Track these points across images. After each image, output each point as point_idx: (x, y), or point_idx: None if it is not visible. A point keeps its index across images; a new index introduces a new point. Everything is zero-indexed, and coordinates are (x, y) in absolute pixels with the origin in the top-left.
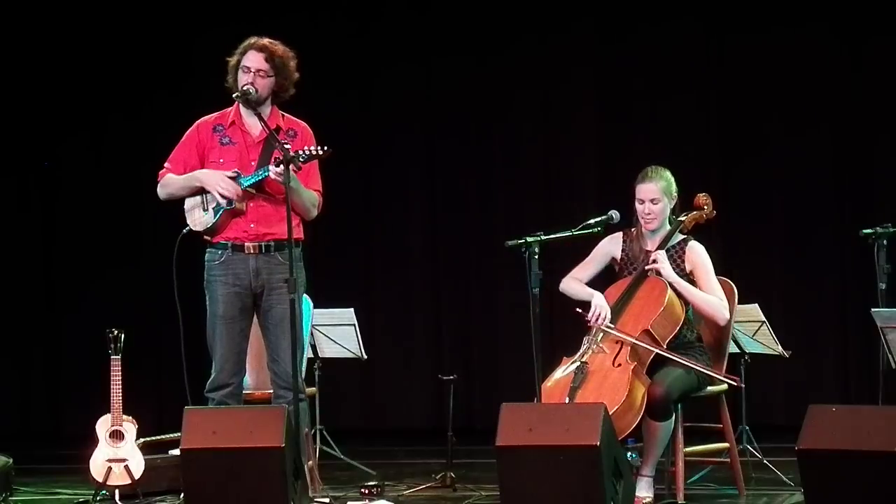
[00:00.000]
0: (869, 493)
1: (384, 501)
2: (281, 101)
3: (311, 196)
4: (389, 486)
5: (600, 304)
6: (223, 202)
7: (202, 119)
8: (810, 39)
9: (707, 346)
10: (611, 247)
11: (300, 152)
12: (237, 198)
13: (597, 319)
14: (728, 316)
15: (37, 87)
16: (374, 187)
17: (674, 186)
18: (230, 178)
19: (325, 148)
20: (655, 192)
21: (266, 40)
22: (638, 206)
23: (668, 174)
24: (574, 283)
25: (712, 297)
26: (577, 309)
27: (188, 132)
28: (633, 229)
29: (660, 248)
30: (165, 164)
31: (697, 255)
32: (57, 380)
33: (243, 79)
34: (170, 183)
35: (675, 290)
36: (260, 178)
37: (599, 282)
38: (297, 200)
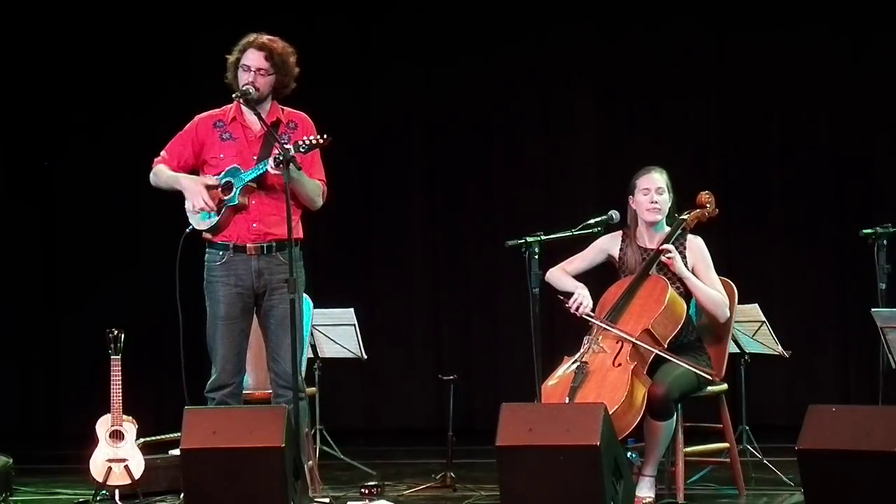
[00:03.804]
0: (869, 493)
1: (384, 501)
2: (281, 96)
3: (315, 186)
4: (389, 486)
5: (583, 295)
6: (195, 212)
7: (202, 115)
8: (810, 39)
9: (707, 346)
10: (609, 244)
11: (301, 142)
12: (212, 210)
13: (577, 308)
14: (729, 314)
15: (37, 86)
16: (374, 187)
17: (671, 186)
18: (230, 172)
19: (326, 136)
20: (661, 183)
21: (265, 38)
22: (642, 196)
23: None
24: (560, 274)
25: (717, 294)
26: (559, 296)
27: (186, 126)
28: (630, 230)
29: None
30: (161, 153)
31: (699, 249)
32: (57, 380)
33: (243, 77)
34: (159, 174)
35: (683, 284)
36: (259, 172)
37: (594, 280)
38: (301, 191)
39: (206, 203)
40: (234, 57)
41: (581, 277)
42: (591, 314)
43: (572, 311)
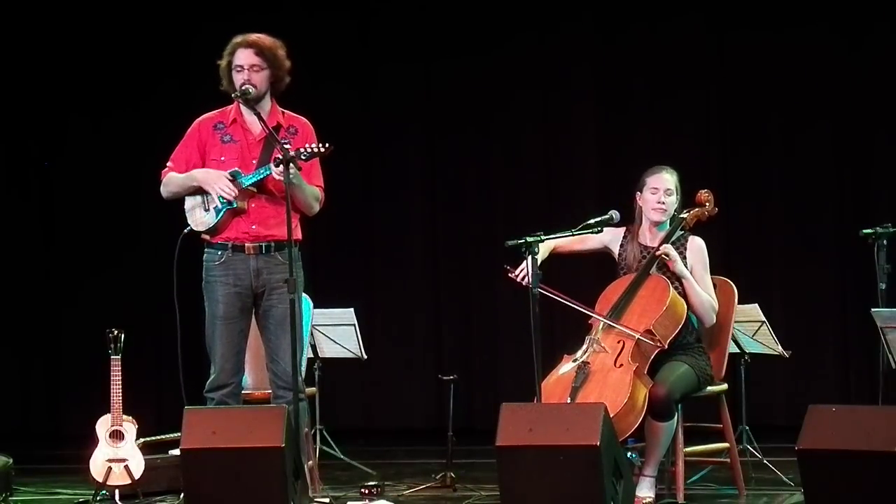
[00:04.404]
0: (869, 493)
1: (384, 501)
2: (278, 91)
3: (313, 192)
4: (389, 486)
5: (526, 268)
6: (219, 202)
7: (202, 117)
8: (810, 37)
9: (706, 346)
10: (609, 238)
11: (301, 150)
12: (236, 197)
13: (522, 279)
14: (715, 320)
15: (36, 84)
16: (373, 187)
17: (679, 187)
18: (229, 177)
19: (327, 145)
20: (671, 184)
21: (252, 36)
22: (650, 196)
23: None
24: (543, 246)
25: (709, 299)
26: (506, 266)
27: (188, 131)
28: (634, 226)
29: (664, 243)
30: (168, 164)
31: (699, 250)
32: (57, 380)
33: (238, 78)
34: (170, 182)
35: (680, 283)
36: (261, 177)
37: (594, 279)
38: (299, 196)
39: (229, 189)
40: (225, 61)
41: (579, 270)
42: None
43: (518, 279)
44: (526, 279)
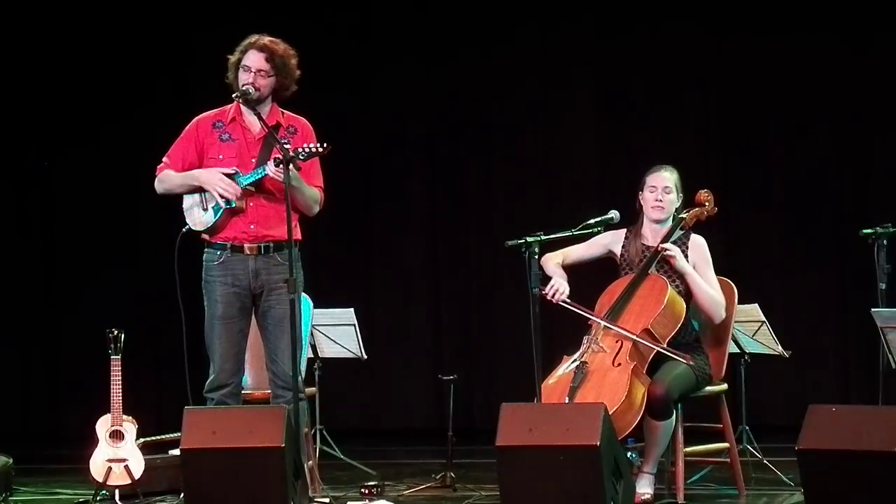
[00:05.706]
0: (869, 493)
1: (384, 501)
2: (282, 98)
3: (313, 193)
4: (389, 486)
5: (560, 283)
6: (222, 202)
7: (201, 115)
8: (810, 38)
9: (707, 346)
10: (611, 240)
11: (300, 150)
12: (237, 197)
13: (553, 295)
14: (724, 315)
15: (35, 86)
16: (373, 187)
17: (680, 186)
18: (228, 175)
19: (325, 145)
20: (670, 182)
21: (267, 39)
22: (649, 194)
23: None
24: (547, 259)
25: (716, 294)
26: (535, 288)
27: (187, 128)
28: (636, 226)
29: (664, 242)
30: (164, 160)
31: (701, 247)
32: (57, 380)
33: (243, 78)
34: (167, 179)
35: (683, 282)
36: (258, 176)
37: (594, 279)
38: (299, 198)
39: (229, 188)
40: (236, 57)
41: (579, 272)
42: (568, 301)
43: (548, 297)
44: (558, 297)
